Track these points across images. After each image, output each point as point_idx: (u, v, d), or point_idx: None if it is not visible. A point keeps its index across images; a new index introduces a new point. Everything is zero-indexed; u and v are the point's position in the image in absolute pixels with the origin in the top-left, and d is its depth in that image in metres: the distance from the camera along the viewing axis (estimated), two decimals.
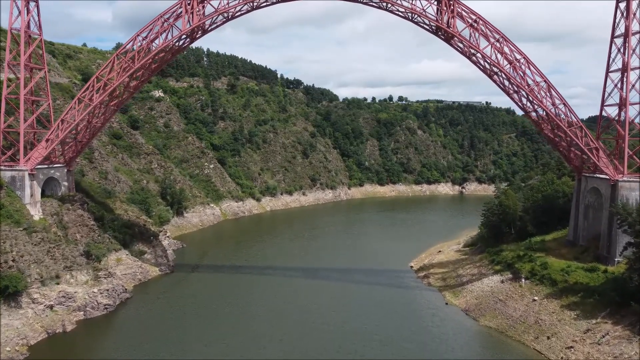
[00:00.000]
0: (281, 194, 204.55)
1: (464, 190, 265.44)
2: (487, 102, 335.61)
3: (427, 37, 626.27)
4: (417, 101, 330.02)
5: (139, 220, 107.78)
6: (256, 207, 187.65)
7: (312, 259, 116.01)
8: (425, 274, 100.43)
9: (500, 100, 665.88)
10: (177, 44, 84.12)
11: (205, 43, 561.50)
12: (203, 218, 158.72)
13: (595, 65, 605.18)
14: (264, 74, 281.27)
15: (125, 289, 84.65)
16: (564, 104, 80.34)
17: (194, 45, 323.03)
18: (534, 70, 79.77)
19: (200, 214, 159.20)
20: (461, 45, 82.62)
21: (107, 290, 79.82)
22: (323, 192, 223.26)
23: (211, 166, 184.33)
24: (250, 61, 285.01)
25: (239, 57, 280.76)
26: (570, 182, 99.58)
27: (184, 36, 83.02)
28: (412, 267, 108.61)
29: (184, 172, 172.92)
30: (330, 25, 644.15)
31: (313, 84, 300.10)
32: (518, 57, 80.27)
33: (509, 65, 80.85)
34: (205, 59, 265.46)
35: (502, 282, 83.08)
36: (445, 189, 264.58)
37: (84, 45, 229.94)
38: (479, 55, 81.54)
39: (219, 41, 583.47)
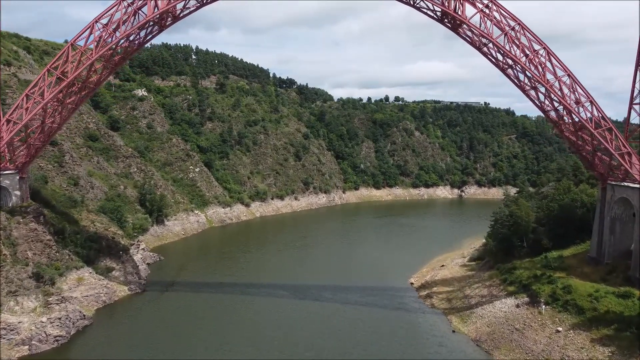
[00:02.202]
0: (272, 199, 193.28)
1: (463, 194, 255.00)
2: (485, 103, 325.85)
3: (422, 38, 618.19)
4: (414, 101, 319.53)
5: (107, 232, 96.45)
6: (245, 213, 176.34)
7: (302, 274, 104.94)
8: (427, 293, 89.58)
9: (497, 102, 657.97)
10: (142, 32, 72.98)
11: (196, 41, 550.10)
12: (186, 226, 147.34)
13: (589, 67, 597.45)
14: (255, 73, 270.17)
15: (84, 315, 73.31)
16: (590, 101, 69.68)
17: (183, 42, 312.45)
18: (556, 63, 69.11)
19: (183, 221, 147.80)
20: (470, 34, 71.92)
21: (60, 318, 68.51)
22: (316, 197, 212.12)
23: (197, 169, 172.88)
24: (242, 59, 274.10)
25: (230, 55, 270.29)
26: (589, 190, 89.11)
27: (150, 23, 71.89)
28: (412, 284, 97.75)
29: (166, 176, 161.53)
30: (325, 26, 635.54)
31: (307, 84, 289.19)
32: (537, 47, 69.59)
33: (524, 58, 70.14)
34: (193, 56, 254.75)
35: (518, 306, 72.32)
36: (443, 192, 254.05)
37: (66, 41, 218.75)
38: (490, 45, 70.80)
39: (213, 42, 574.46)
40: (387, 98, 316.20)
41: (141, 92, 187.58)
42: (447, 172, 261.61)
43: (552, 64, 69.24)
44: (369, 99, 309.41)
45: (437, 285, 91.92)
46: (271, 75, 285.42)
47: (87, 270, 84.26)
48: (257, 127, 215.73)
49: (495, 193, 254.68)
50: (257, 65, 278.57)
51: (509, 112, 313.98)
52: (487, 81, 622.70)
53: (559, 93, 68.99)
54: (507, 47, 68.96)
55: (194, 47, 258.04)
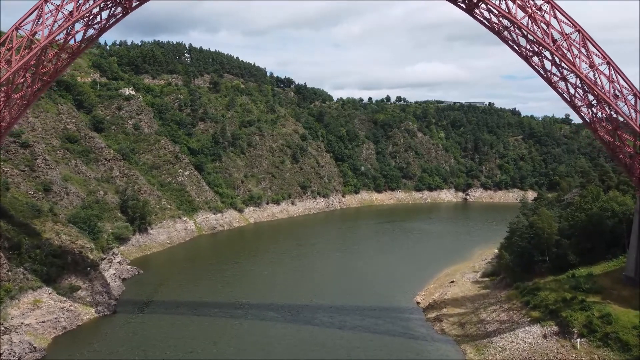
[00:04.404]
0: (267, 204, 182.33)
1: (468, 197, 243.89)
2: (489, 103, 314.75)
3: (422, 39, 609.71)
4: (416, 102, 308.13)
5: (74, 245, 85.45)
6: (237, 220, 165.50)
7: (295, 291, 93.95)
8: (436, 315, 78.57)
9: (498, 104, 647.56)
10: (103, 14, 62.29)
11: (192, 41, 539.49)
12: (172, 234, 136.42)
13: None
14: (251, 72, 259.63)
15: (34, 347, 62.52)
16: (634, 94, 58.68)
17: (176, 39, 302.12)
18: (594, 50, 58.19)
19: (169, 229, 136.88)
20: (488, 15, 61.09)
21: (1, 354, 57.61)
22: (314, 201, 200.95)
23: (186, 173, 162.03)
24: (237, 58, 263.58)
25: (225, 53, 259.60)
26: (621, 198, 78.06)
27: (112, 3, 61.15)
28: (418, 303, 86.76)
29: (153, 181, 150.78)
30: (325, 28, 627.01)
31: (305, 83, 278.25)
32: (569, 30, 58.75)
33: (553, 43, 59.22)
34: (187, 55, 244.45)
35: (545, 337, 61.39)
36: (447, 196, 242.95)
37: None
38: (512, 28, 59.93)
39: (212, 43, 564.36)
40: (388, 98, 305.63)
41: (128, 90, 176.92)
42: (451, 175, 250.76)
43: (587, 50, 58.38)
44: (370, 99, 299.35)
45: (447, 305, 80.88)
46: (268, 74, 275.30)
47: (46, 290, 73.44)
48: (252, 127, 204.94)
49: (502, 196, 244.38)
50: (254, 64, 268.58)
51: (514, 112, 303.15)
52: (488, 83, 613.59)
53: (596, 86, 58.03)
54: (534, 30, 58.12)
55: (187, 45, 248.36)
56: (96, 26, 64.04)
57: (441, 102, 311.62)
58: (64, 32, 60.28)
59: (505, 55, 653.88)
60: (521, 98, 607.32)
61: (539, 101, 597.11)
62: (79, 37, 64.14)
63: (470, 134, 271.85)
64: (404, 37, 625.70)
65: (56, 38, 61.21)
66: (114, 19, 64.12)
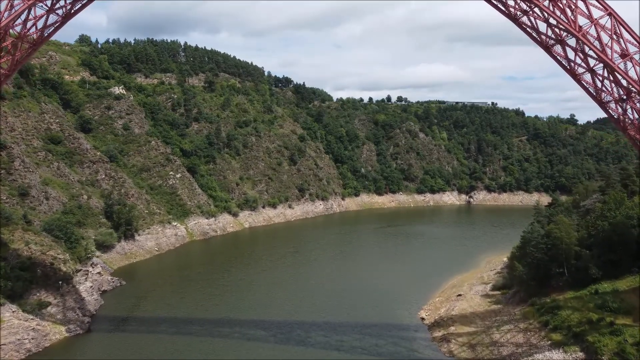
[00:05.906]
0: (263, 207, 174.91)
1: (471, 200, 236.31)
2: (492, 103, 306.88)
3: (423, 40, 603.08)
4: (418, 102, 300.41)
5: (46, 256, 77.90)
6: (232, 224, 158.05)
7: (288, 305, 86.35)
8: (443, 334, 71.04)
9: (499, 105, 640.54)
10: None
11: (192, 42, 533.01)
12: (161, 241, 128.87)
13: None
14: (248, 71, 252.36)
15: None
16: None
17: (170, 38, 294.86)
18: (628, 37, 50.74)
19: (157, 235, 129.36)
20: None
21: None
22: (313, 204, 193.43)
23: (178, 175, 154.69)
24: (234, 57, 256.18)
25: (221, 52, 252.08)
26: None
27: None
28: (423, 319, 79.22)
29: (142, 184, 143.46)
30: (327, 29, 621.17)
31: (304, 82, 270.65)
32: (597, 14, 51.27)
33: (578, 30, 51.73)
34: (182, 53, 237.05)
35: None
36: (450, 198, 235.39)
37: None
38: (531, 12, 52.45)
39: (213, 44, 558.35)
40: (389, 98, 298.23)
41: (118, 89, 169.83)
42: (454, 177, 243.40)
43: (620, 37, 50.94)
44: (370, 99, 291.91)
45: (455, 323, 73.36)
46: (266, 73, 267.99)
47: (10, 308, 66.07)
48: (248, 128, 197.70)
49: (507, 199, 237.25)
50: (251, 63, 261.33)
51: (518, 112, 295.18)
52: (488, 84, 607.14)
53: (634, 79, 50.53)
54: (557, 14, 50.68)
55: (182, 44, 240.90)
56: (59, 11, 56.72)
57: (443, 102, 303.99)
58: (21, 18, 52.93)
59: (505, 56, 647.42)
60: (522, 99, 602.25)
61: (539, 102, 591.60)
62: (40, 24, 56.67)
63: (474, 134, 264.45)
64: (404, 38, 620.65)
65: (14, 25, 53.78)
66: (79, 4, 56.77)
